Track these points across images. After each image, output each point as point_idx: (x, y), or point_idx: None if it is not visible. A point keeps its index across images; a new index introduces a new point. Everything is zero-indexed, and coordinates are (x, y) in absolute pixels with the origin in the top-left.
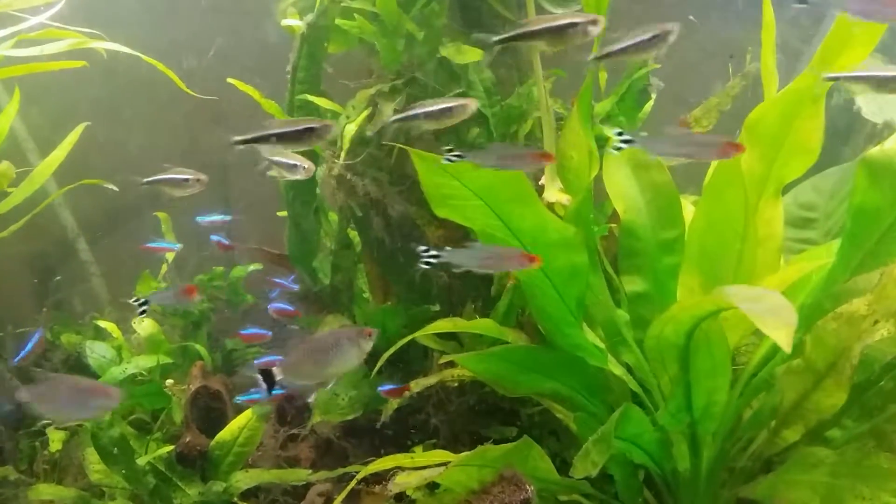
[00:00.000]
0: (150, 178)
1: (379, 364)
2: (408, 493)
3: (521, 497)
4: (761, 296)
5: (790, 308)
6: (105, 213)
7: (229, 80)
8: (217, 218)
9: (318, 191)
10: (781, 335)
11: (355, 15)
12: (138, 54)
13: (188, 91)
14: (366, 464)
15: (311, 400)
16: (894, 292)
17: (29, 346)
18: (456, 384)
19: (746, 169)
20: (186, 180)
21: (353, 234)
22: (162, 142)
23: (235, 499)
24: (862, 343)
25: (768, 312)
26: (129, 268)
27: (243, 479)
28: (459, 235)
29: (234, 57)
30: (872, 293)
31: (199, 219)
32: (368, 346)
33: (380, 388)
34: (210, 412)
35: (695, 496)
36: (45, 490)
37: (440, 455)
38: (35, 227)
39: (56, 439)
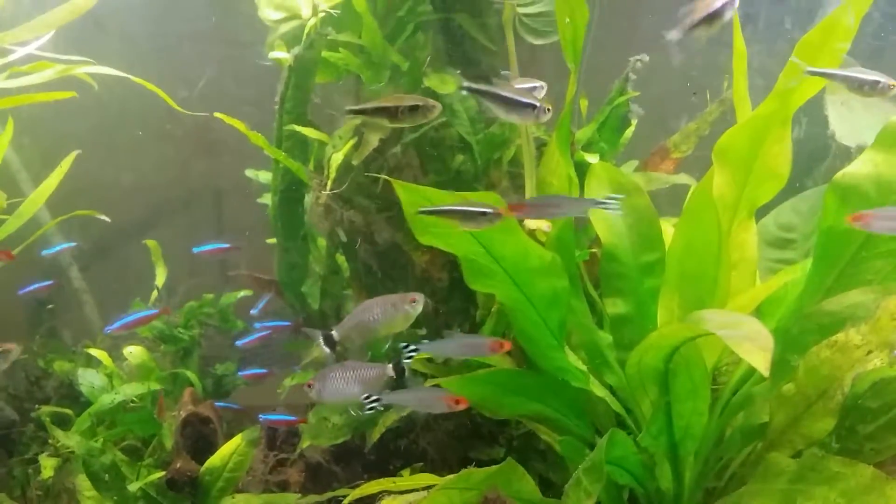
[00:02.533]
0: None
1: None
2: None
3: None
4: (738, 322)
5: (766, 333)
6: (96, 241)
7: (216, 114)
8: (212, 247)
9: (306, 218)
10: (759, 360)
11: (340, 49)
12: (133, 78)
13: (185, 112)
14: (353, 488)
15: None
16: (889, 324)
17: None
18: None
19: (718, 194)
20: None
21: (342, 260)
22: (153, 170)
23: None
24: (854, 372)
25: (745, 338)
26: (121, 295)
27: None
28: (445, 261)
29: (224, 87)
30: (867, 324)
31: (195, 250)
32: (414, 309)
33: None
34: (200, 438)
35: None
36: None
37: (426, 478)
38: (27, 255)
39: (48, 466)
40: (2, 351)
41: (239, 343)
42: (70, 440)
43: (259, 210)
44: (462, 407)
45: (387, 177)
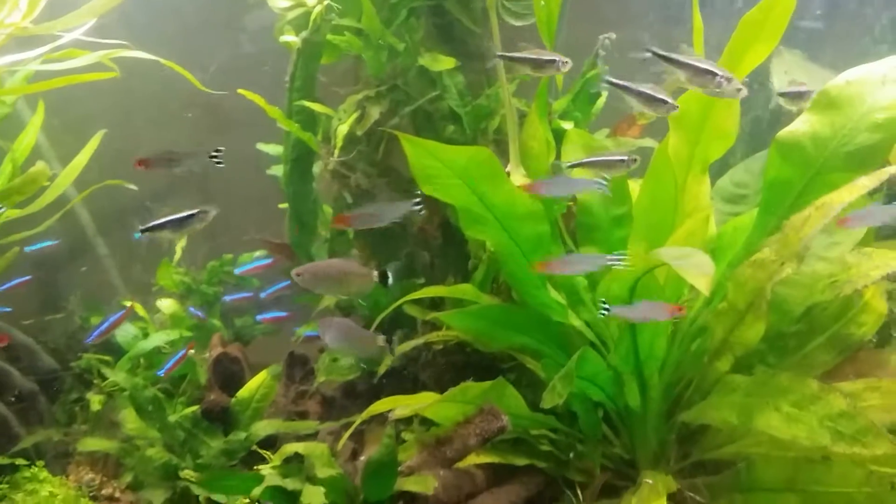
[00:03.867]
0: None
1: (372, 328)
2: (403, 435)
3: (498, 425)
4: (687, 254)
5: (708, 260)
6: (118, 212)
7: (240, 90)
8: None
9: (314, 185)
10: (701, 282)
11: (345, 32)
12: (163, 61)
13: (208, 90)
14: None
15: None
16: (794, 238)
17: None
18: (441, 346)
19: (673, 152)
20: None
21: None
22: (170, 146)
23: (254, 447)
24: (772, 282)
25: (691, 266)
26: (141, 260)
27: (261, 428)
28: (439, 221)
29: (234, 70)
30: (777, 241)
31: (237, 271)
32: (371, 276)
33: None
34: (230, 374)
35: (645, 428)
36: (92, 443)
37: (429, 396)
38: (57, 225)
39: (96, 401)
40: None
41: (263, 294)
42: (117, 377)
43: (268, 180)
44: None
45: (398, 132)
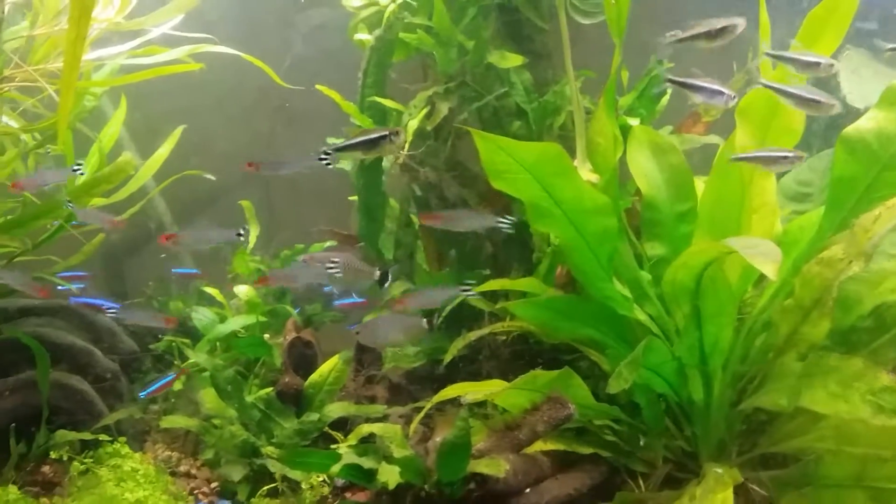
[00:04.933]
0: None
1: (439, 319)
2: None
3: (565, 413)
4: (755, 243)
5: (777, 249)
6: (192, 204)
7: (318, 86)
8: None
9: (383, 178)
10: (769, 268)
11: (419, 30)
12: (246, 56)
13: (284, 85)
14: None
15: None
16: (863, 237)
17: None
18: (504, 337)
19: (740, 148)
20: None
21: (412, 217)
22: (245, 141)
23: (326, 427)
24: (839, 280)
25: (759, 253)
26: (215, 250)
27: (334, 410)
28: (503, 213)
29: (306, 67)
30: (846, 240)
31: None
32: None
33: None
34: (303, 358)
35: (708, 420)
36: (174, 420)
37: (496, 384)
38: (137, 214)
39: (178, 381)
40: None
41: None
42: (198, 357)
43: (337, 174)
44: None
45: (470, 128)
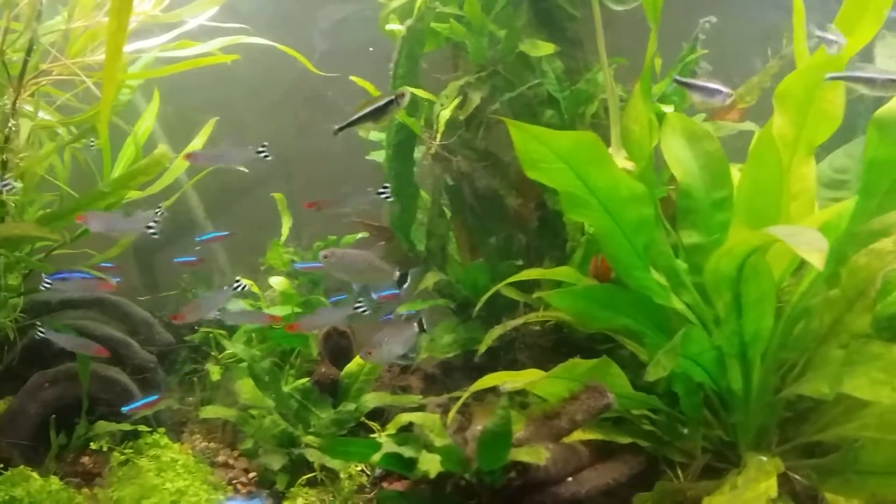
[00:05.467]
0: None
1: (476, 310)
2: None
3: (604, 402)
4: (799, 231)
5: (821, 237)
6: (223, 196)
7: (352, 77)
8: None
9: (415, 169)
10: (815, 257)
11: (451, 19)
12: (280, 46)
13: (318, 72)
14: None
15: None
16: None
17: None
18: (538, 327)
19: (778, 134)
20: None
21: (444, 207)
22: (274, 134)
23: (363, 417)
24: (885, 271)
25: (804, 242)
26: (245, 242)
27: (370, 400)
28: (535, 203)
29: (335, 59)
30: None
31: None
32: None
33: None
34: (339, 349)
35: (747, 410)
36: (212, 410)
37: (534, 373)
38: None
39: (215, 371)
40: None
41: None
42: (236, 348)
43: (367, 165)
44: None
45: (503, 118)
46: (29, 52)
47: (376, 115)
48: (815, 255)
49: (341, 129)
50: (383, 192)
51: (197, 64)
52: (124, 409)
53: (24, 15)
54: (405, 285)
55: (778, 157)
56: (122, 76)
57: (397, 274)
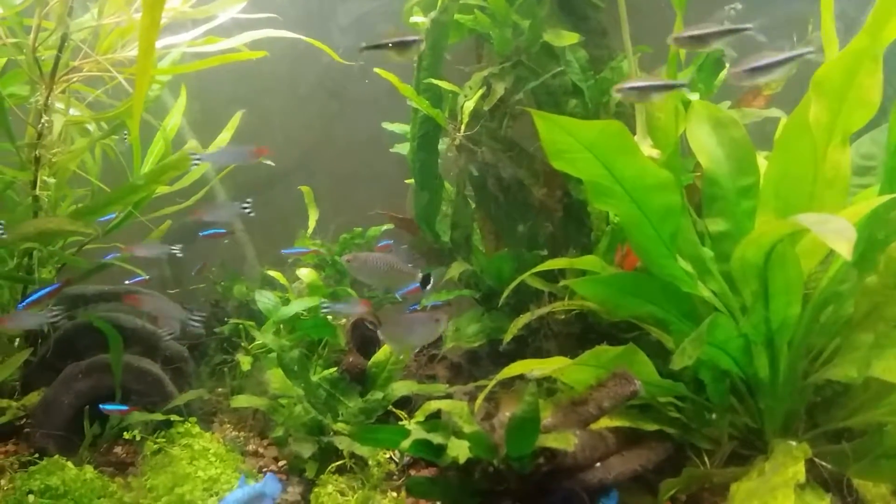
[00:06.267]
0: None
1: (502, 300)
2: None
3: (631, 389)
4: (827, 220)
5: (850, 226)
6: (249, 189)
7: (376, 69)
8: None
9: (439, 160)
10: (843, 247)
11: (475, 11)
12: (308, 39)
13: (344, 62)
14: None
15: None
16: None
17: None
18: (562, 316)
19: (814, 120)
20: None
21: (469, 198)
22: (300, 128)
23: (390, 406)
24: None
25: (832, 231)
26: (273, 235)
27: (398, 388)
28: (560, 194)
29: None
30: None
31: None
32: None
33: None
34: (366, 339)
35: (774, 397)
36: (243, 400)
37: (560, 361)
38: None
39: (245, 362)
40: None
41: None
42: (265, 338)
43: (392, 158)
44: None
45: (528, 108)
46: (60, 49)
47: (400, 47)
48: (843, 244)
49: (367, 48)
50: (246, 207)
51: (226, 60)
52: (101, 407)
53: (55, 13)
54: (428, 287)
55: (811, 143)
56: (155, 71)
57: (420, 276)
